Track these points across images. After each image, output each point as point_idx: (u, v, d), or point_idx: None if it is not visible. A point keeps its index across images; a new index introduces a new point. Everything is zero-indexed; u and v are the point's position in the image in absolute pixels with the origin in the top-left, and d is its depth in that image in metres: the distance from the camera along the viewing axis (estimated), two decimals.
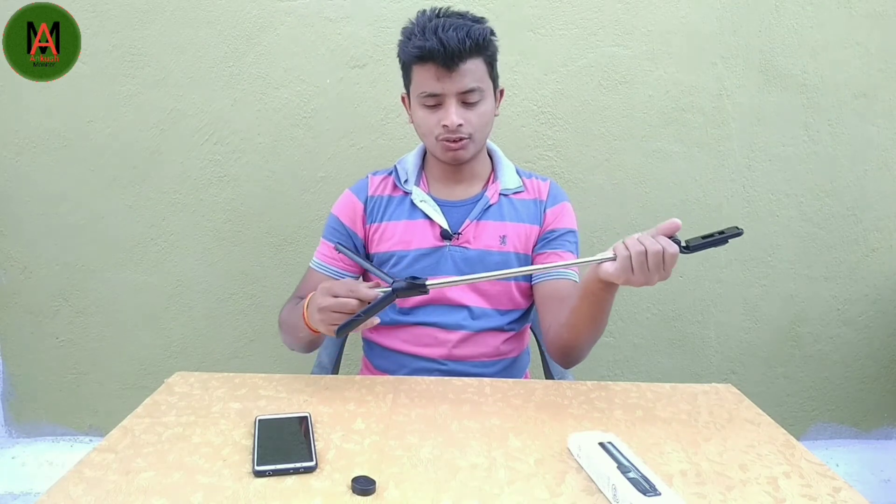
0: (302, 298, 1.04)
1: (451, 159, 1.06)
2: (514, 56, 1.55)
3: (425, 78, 1.00)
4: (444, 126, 1.01)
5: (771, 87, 1.62)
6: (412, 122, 1.10)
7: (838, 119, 1.64)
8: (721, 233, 0.81)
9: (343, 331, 0.85)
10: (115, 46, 1.53)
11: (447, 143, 1.03)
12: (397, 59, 1.08)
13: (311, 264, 1.15)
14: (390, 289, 0.84)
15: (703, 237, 0.82)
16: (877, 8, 1.58)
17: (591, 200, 1.64)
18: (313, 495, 0.65)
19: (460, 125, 1.01)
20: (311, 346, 1.06)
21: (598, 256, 0.85)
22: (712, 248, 0.82)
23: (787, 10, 1.57)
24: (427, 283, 0.84)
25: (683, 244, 0.82)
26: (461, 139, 1.02)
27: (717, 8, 1.57)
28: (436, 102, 1.01)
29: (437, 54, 0.96)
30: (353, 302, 0.84)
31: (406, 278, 0.85)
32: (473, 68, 1.00)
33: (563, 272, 1.10)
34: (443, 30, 0.96)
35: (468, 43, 0.96)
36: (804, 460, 0.75)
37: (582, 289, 0.92)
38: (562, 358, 1.05)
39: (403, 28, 1.04)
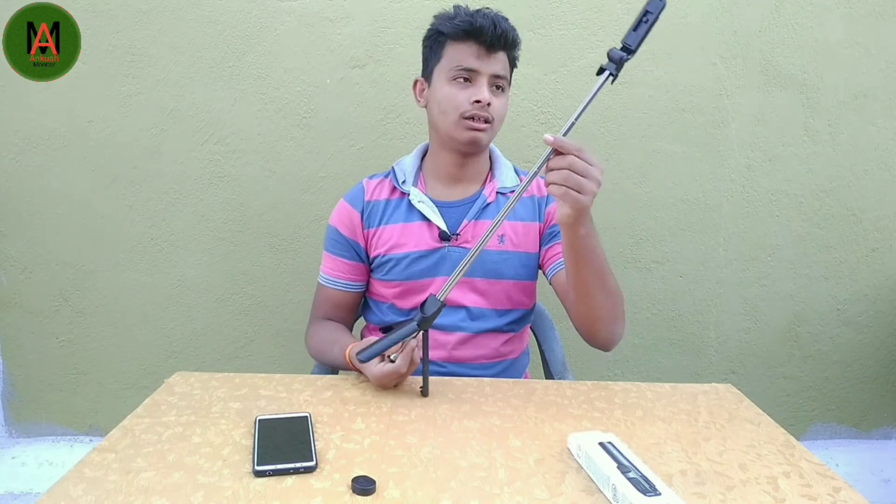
0: (325, 319, 1.16)
1: (469, 140, 1.05)
2: None
3: (465, 54, 1.02)
4: (476, 102, 1.02)
5: (771, 87, 1.62)
6: (425, 105, 1.11)
7: (838, 119, 1.64)
8: (647, 12, 0.81)
9: (368, 354, 0.88)
10: (115, 46, 1.53)
11: (471, 122, 1.03)
12: (424, 42, 1.10)
13: (319, 280, 1.17)
14: (415, 324, 0.87)
15: (633, 28, 0.82)
16: (877, 8, 1.59)
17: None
18: (313, 495, 0.65)
19: (489, 104, 1.02)
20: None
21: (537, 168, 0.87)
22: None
23: (787, 10, 1.58)
24: (437, 296, 0.88)
25: (621, 48, 0.83)
26: (486, 121, 1.04)
27: (716, 8, 1.57)
28: (468, 78, 1.03)
29: (486, 30, 1.00)
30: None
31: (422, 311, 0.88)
32: (505, 60, 1.06)
33: None
34: (492, 13, 1.03)
35: (511, 34, 1.04)
36: (804, 460, 0.75)
37: (564, 251, 0.95)
38: (595, 337, 1.04)
39: (437, 14, 1.08)
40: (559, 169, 0.83)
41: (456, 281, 0.89)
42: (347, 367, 1.01)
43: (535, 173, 0.84)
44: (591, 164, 0.83)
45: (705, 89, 1.61)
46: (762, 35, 1.59)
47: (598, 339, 1.03)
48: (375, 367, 0.89)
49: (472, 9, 1.05)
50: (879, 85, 1.63)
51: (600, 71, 0.84)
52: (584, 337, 1.06)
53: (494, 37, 1.01)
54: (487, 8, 1.05)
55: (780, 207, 1.68)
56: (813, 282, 1.73)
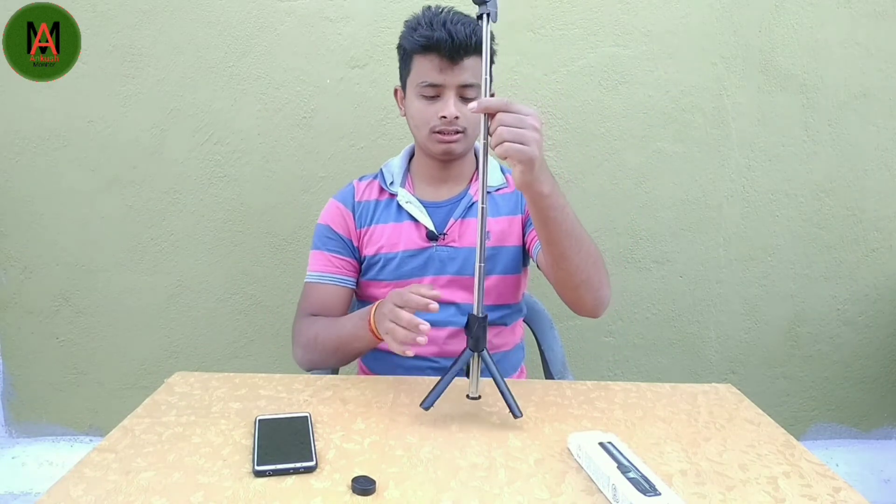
0: (314, 315, 1.10)
1: (443, 152, 1.05)
2: (514, 56, 1.55)
3: (428, 69, 1.01)
4: (442, 117, 1.01)
5: (771, 87, 1.62)
6: (404, 115, 1.11)
7: (838, 119, 1.64)
8: None
9: (431, 399, 0.82)
10: (115, 46, 1.53)
11: (441, 136, 1.03)
12: (397, 51, 1.09)
13: (307, 280, 1.13)
14: (468, 350, 0.83)
15: None
16: (877, 8, 1.58)
17: (591, 200, 1.64)
18: (313, 495, 0.65)
19: (457, 118, 1.01)
20: (350, 359, 1.06)
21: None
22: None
23: (787, 10, 1.58)
24: (474, 312, 0.83)
25: None
26: (456, 132, 1.03)
27: (717, 8, 1.57)
28: (435, 93, 1.02)
29: (443, 45, 0.97)
30: (401, 312, 0.83)
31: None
32: (474, 65, 1.01)
33: None
34: (451, 23, 0.99)
35: (474, 39, 0.98)
36: (804, 460, 0.75)
37: (533, 217, 0.90)
38: (581, 304, 1.00)
39: (407, 20, 1.05)
40: (494, 130, 0.79)
41: (481, 294, 0.84)
42: (364, 337, 0.95)
43: (486, 145, 0.81)
44: (522, 114, 0.79)
45: (705, 89, 1.61)
46: (762, 35, 1.59)
47: (585, 306, 1.00)
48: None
49: (435, 12, 1.01)
50: (879, 85, 1.63)
51: (479, 17, 0.81)
52: (571, 306, 1.02)
53: (453, 49, 0.98)
54: (450, 10, 1.02)
55: (780, 207, 1.68)
56: (813, 282, 1.73)
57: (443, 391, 0.81)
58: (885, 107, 1.64)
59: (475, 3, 0.80)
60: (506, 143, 0.78)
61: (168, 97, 1.56)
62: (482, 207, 0.81)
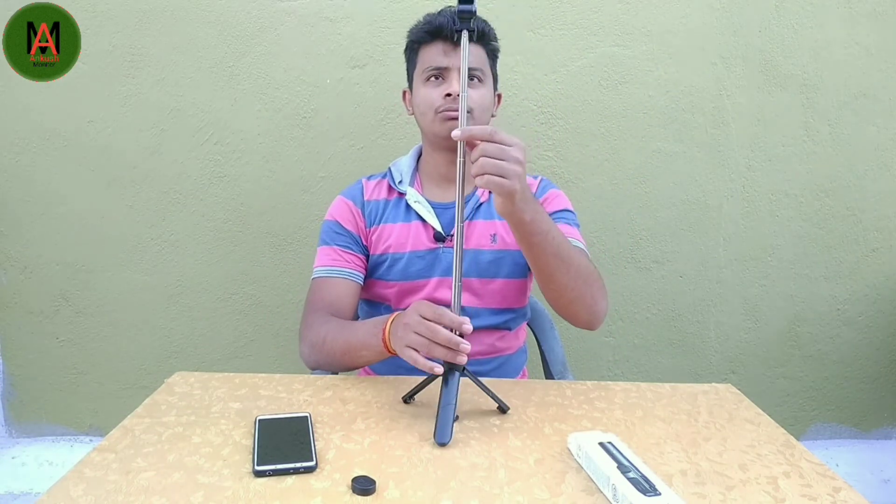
0: (324, 311, 1.04)
1: (449, 131, 1.04)
2: (514, 56, 1.55)
3: (432, 54, 1.05)
4: (447, 95, 1.03)
5: (771, 87, 1.62)
6: (412, 113, 1.12)
7: (838, 119, 1.64)
8: None
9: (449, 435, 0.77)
10: (115, 46, 1.53)
11: (446, 114, 1.04)
12: (404, 53, 1.13)
13: (315, 276, 1.10)
14: (455, 372, 0.81)
15: None
16: (877, 8, 1.59)
17: (591, 200, 1.64)
18: (313, 495, 0.65)
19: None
20: (356, 367, 1.03)
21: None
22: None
23: (787, 10, 1.58)
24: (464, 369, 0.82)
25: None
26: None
27: (717, 8, 1.57)
28: (440, 76, 1.05)
29: (446, 28, 1.03)
30: (438, 327, 0.79)
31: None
32: (477, 52, 1.05)
33: None
34: (453, 11, 1.02)
35: (477, 26, 1.02)
36: (804, 460, 0.75)
37: (517, 240, 0.91)
38: (576, 319, 1.01)
39: (410, 28, 1.11)
40: (476, 160, 0.79)
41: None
42: (374, 347, 0.91)
43: (462, 170, 0.80)
44: (505, 145, 0.79)
45: (705, 89, 1.61)
46: (762, 35, 1.59)
47: (580, 320, 1.02)
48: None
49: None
50: (879, 85, 1.63)
51: (459, 32, 0.80)
52: (566, 320, 1.03)
53: (455, 31, 1.00)
54: (450, 7, 1.05)
55: (780, 207, 1.68)
56: (813, 282, 1.73)
57: (453, 421, 0.78)
58: (885, 107, 1.64)
59: (459, 19, 0.79)
60: (486, 175, 0.78)
61: (168, 97, 1.56)
62: (458, 250, 0.81)
